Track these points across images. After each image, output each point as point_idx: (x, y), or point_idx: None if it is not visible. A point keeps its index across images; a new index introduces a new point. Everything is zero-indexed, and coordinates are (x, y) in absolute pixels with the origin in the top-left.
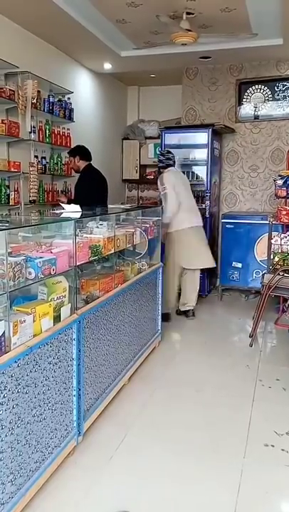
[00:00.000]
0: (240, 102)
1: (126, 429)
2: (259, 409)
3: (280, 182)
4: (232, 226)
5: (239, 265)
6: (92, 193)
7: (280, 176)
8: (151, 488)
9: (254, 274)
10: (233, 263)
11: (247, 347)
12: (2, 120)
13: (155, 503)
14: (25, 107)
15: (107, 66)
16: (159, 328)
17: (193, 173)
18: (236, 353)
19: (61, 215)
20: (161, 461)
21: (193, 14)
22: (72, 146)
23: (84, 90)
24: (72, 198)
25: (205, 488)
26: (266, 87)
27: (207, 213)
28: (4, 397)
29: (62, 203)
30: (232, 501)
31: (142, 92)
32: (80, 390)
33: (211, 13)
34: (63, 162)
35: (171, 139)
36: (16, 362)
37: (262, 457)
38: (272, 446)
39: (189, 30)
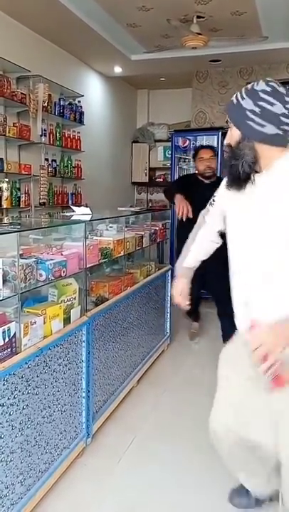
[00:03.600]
0: None
1: (134, 432)
2: None
3: None
4: None
5: None
6: None
7: None
8: (158, 492)
9: None
10: None
11: None
12: (13, 123)
13: (162, 508)
14: (37, 111)
15: (118, 69)
16: (168, 330)
17: None
18: None
19: (71, 218)
20: (170, 466)
21: (203, 18)
22: (82, 149)
23: (94, 93)
24: None
25: (214, 494)
26: None
27: None
28: (15, 398)
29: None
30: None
31: (152, 95)
32: (89, 392)
33: (222, 16)
34: (73, 165)
35: (183, 141)
36: (26, 363)
37: None
38: None
39: (200, 34)
